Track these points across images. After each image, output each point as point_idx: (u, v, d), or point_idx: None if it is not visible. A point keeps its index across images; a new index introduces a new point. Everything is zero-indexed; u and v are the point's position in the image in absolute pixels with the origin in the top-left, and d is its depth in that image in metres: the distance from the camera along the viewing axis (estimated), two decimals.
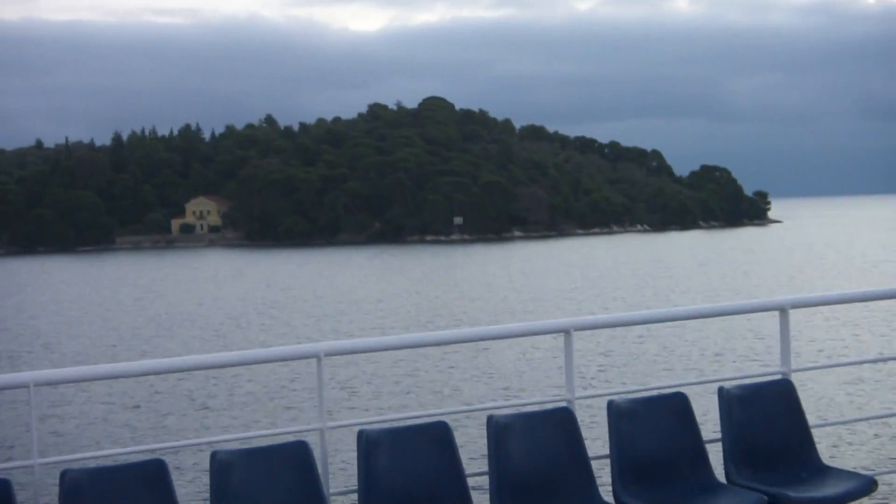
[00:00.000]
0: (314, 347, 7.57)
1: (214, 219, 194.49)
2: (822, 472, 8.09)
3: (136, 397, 35.40)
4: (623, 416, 7.97)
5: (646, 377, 36.32)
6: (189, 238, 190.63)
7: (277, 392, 36.09)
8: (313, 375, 8.78)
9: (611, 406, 7.94)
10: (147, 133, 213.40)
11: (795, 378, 8.60)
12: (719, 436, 8.14)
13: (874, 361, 36.20)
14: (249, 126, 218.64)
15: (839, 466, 8.42)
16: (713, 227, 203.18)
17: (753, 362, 38.03)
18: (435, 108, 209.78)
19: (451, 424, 7.68)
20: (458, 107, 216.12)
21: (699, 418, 8.13)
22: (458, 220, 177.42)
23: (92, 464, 7.43)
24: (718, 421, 8.15)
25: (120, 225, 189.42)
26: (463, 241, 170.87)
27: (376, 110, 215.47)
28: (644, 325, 41.96)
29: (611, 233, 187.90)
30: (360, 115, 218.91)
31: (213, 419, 32.10)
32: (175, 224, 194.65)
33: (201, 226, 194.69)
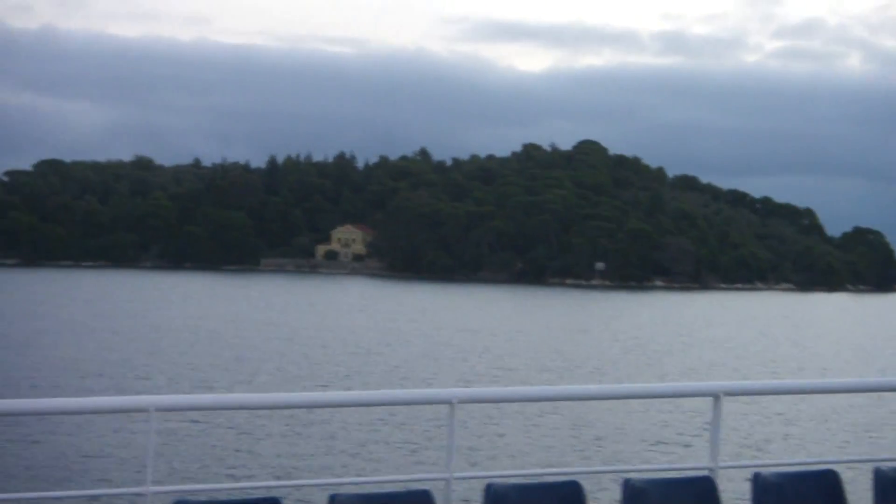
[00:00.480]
0: (448, 393, 7.38)
1: (359, 247, 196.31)
2: None
3: (255, 429, 34.63)
4: (769, 490, 7.50)
5: (795, 451, 34.19)
6: (332, 265, 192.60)
7: (402, 437, 34.39)
8: (442, 421, 8.58)
9: (757, 479, 7.49)
10: (302, 158, 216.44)
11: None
12: None
13: None
14: (403, 158, 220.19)
15: None
16: (861, 290, 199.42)
17: None
18: (588, 151, 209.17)
19: (584, 485, 7.30)
20: (612, 152, 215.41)
21: (851, 500, 7.61)
22: (599, 265, 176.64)
23: (203, 497, 7.33)
24: None
25: (267, 247, 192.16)
26: (604, 287, 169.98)
27: (530, 150, 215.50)
28: (797, 395, 38.90)
29: (755, 289, 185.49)
30: (513, 153, 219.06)
31: (333, 459, 31.11)
32: (320, 250, 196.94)
33: (346, 253, 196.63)
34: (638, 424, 37.64)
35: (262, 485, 7.70)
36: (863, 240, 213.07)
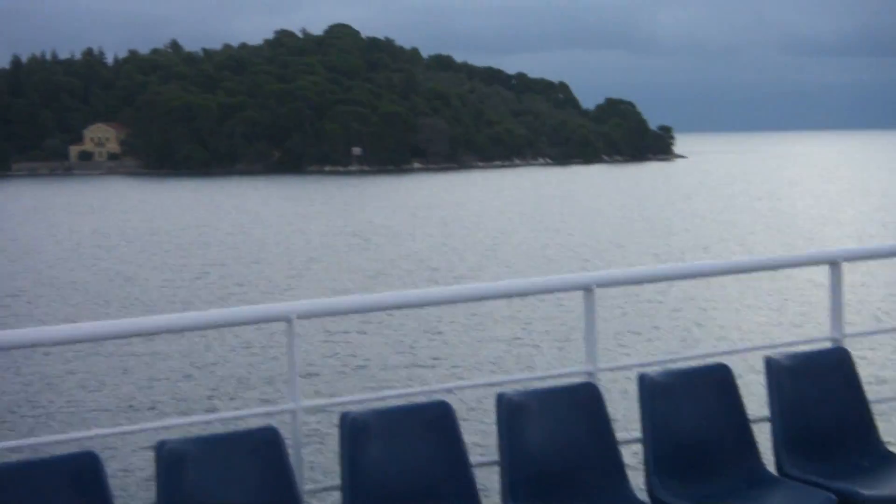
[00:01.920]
0: (284, 308, 6.16)
1: (113, 146, 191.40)
2: (887, 460, 6.89)
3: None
4: (657, 392, 6.69)
5: (680, 345, 32.05)
6: (87, 165, 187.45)
7: (238, 364, 31.06)
8: (280, 344, 7.16)
9: (642, 380, 6.65)
10: (48, 57, 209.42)
11: (849, 345, 7.39)
12: (765, 415, 6.94)
13: None
14: (154, 51, 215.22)
15: None
16: (616, 161, 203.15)
17: (797, 328, 33.63)
18: (340, 35, 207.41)
19: (453, 404, 6.40)
20: (365, 35, 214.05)
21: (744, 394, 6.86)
22: (356, 150, 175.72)
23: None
24: (764, 397, 6.89)
25: (17, 151, 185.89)
26: (361, 172, 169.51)
27: (282, 37, 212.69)
28: (670, 282, 36.50)
29: (512, 166, 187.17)
30: (266, 41, 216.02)
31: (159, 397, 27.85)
32: (73, 151, 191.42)
33: (100, 153, 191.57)
34: (506, 332, 35.04)
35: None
36: (616, 111, 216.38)
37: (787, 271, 36.34)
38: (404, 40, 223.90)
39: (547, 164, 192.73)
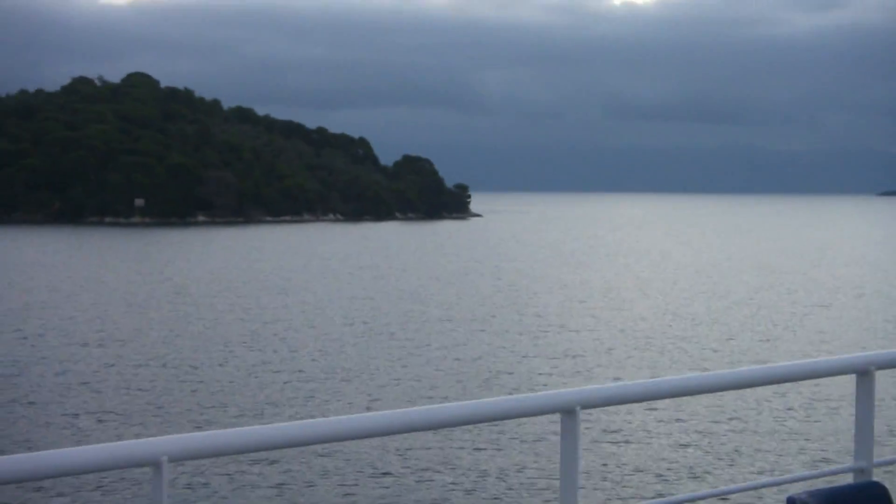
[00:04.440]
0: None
1: None
2: None
3: None
4: None
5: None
6: None
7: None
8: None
9: None
10: None
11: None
12: None
13: None
14: None
15: None
16: (410, 218, 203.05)
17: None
18: (137, 84, 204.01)
19: None
20: (164, 84, 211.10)
21: None
22: (139, 201, 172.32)
23: None
24: None
25: None
26: (143, 224, 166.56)
27: (76, 85, 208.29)
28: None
29: (301, 221, 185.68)
30: (62, 87, 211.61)
31: None
32: None
33: None
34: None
35: None
36: (413, 168, 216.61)
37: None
38: (235, 93, 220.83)
39: (337, 220, 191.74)
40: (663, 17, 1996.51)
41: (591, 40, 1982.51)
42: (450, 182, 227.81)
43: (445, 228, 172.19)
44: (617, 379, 37.44)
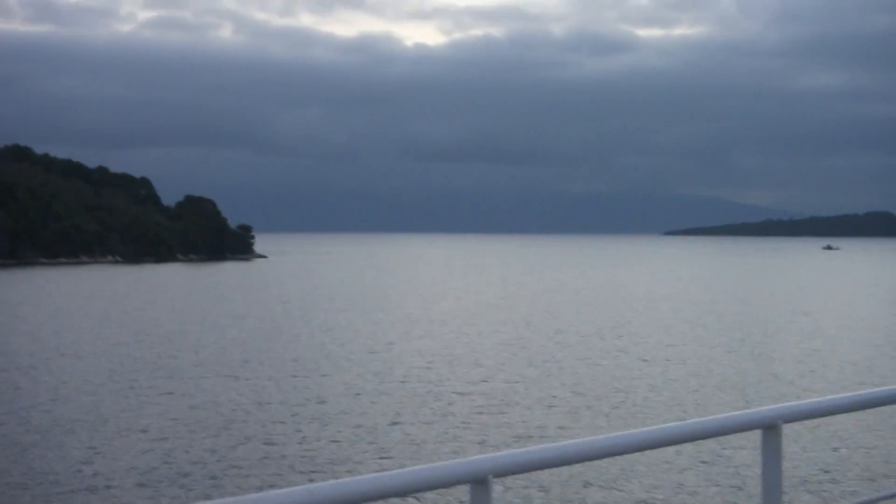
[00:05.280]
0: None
1: None
2: None
3: None
4: None
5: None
6: None
7: None
8: None
9: None
10: None
11: None
12: None
13: None
14: None
15: None
16: (192, 259, 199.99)
17: None
18: None
19: None
20: None
21: None
22: None
23: None
24: None
25: None
26: None
27: None
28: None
29: (79, 263, 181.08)
30: None
31: None
32: None
33: None
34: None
35: None
36: (196, 208, 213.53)
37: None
38: (9, 132, 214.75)
39: (116, 262, 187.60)
40: (455, 59, 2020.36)
41: (385, 81, 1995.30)
42: (237, 223, 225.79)
43: (220, 270, 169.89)
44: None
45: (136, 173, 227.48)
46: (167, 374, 50.45)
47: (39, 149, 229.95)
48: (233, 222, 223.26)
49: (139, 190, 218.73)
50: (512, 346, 63.17)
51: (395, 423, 38.02)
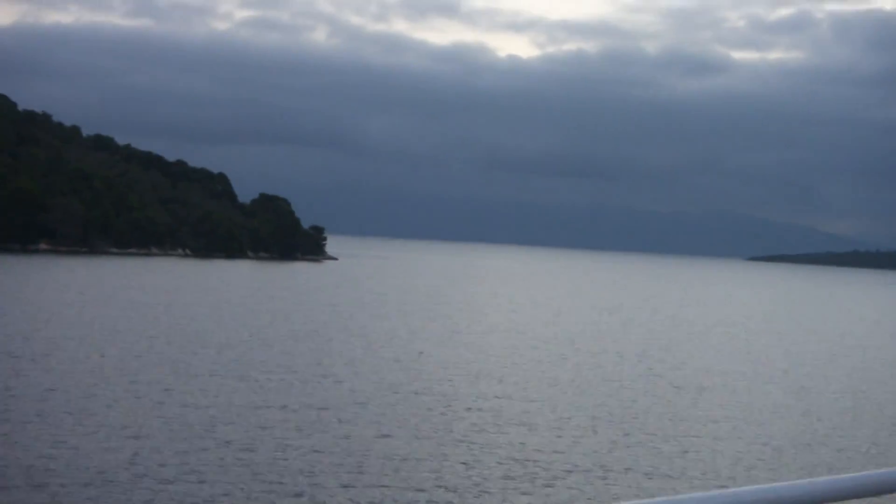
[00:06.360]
0: None
1: None
2: None
3: None
4: None
5: None
6: None
7: None
8: None
9: None
10: None
11: None
12: None
13: None
14: None
15: None
16: (262, 258, 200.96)
17: None
18: None
19: None
20: (22, 108, 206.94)
21: None
22: None
23: None
24: None
25: None
26: None
27: None
28: None
29: (149, 254, 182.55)
30: None
31: None
32: None
33: None
34: None
35: None
36: (270, 207, 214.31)
37: None
38: (113, 122, 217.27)
39: (185, 256, 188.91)
40: (547, 72, 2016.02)
41: (476, 91, 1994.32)
42: (316, 223, 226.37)
43: (285, 269, 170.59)
44: None
45: (215, 169, 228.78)
46: (172, 373, 50.40)
47: (122, 139, 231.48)
48: (312, 223, 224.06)
49: (216, 185, 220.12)
50: (542, 364, 62.81)
51: (384, 437, 37.91)
